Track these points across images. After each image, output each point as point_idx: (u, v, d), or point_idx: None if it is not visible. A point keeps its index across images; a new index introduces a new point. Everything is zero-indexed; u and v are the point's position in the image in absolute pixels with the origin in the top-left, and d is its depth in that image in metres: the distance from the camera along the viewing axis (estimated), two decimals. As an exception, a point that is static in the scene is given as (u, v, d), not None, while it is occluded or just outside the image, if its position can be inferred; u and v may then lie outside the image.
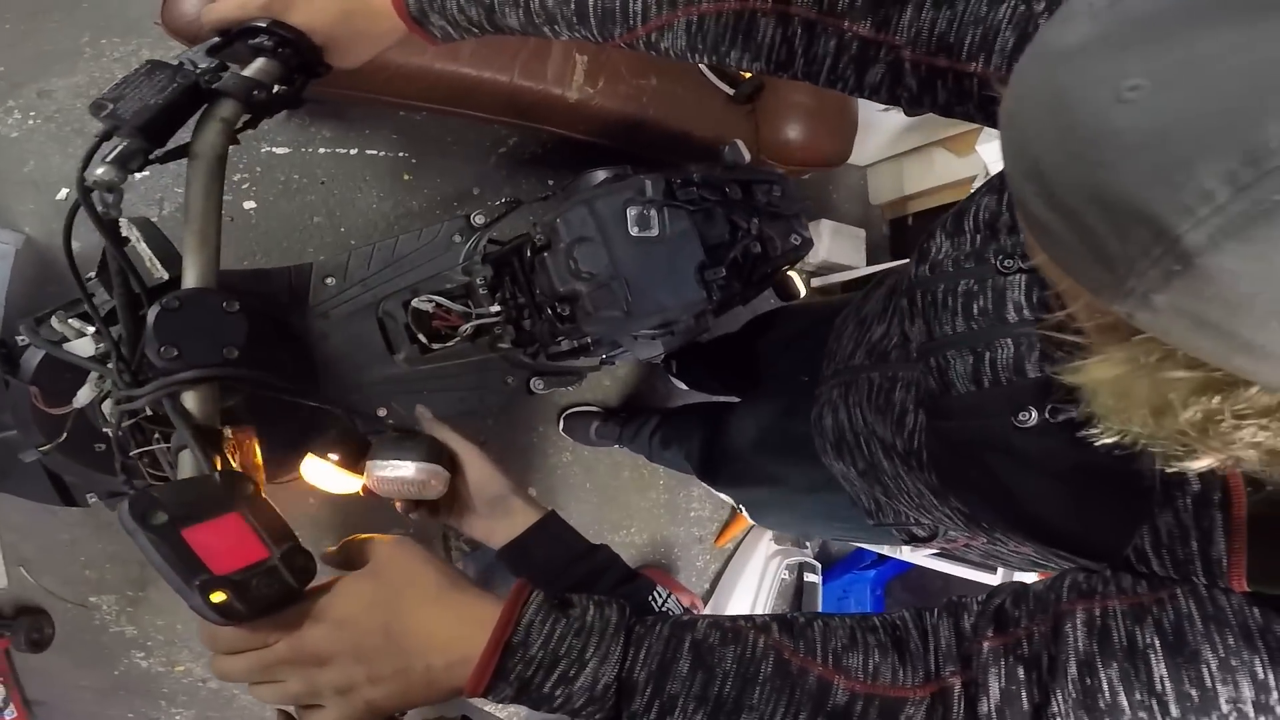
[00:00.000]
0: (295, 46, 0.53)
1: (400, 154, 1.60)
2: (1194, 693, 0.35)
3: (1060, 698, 0.37)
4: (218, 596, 0.38)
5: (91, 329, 0.75)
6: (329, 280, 0.93)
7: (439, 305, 0.93)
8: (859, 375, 0.68)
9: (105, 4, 1.45)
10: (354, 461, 0.58)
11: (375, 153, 1.58)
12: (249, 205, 1.50)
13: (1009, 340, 0.46)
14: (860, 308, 0.77)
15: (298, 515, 1.56)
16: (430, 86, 1.23)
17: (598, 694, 0.42)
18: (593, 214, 0.79)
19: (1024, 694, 0.38)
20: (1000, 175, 0.51)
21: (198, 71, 0.49)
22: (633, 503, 1.86)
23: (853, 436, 0.68)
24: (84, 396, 0.77)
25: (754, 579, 1.79)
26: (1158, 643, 0.36)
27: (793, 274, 1.14)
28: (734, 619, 0.46)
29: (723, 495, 1.15)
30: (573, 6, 0.54)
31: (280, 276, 0.91)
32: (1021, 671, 0.39)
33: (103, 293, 0.60)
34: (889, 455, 0.62)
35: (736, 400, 1.12)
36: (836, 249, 1.88)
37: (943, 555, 1.52)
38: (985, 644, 0.41)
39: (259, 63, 0.52)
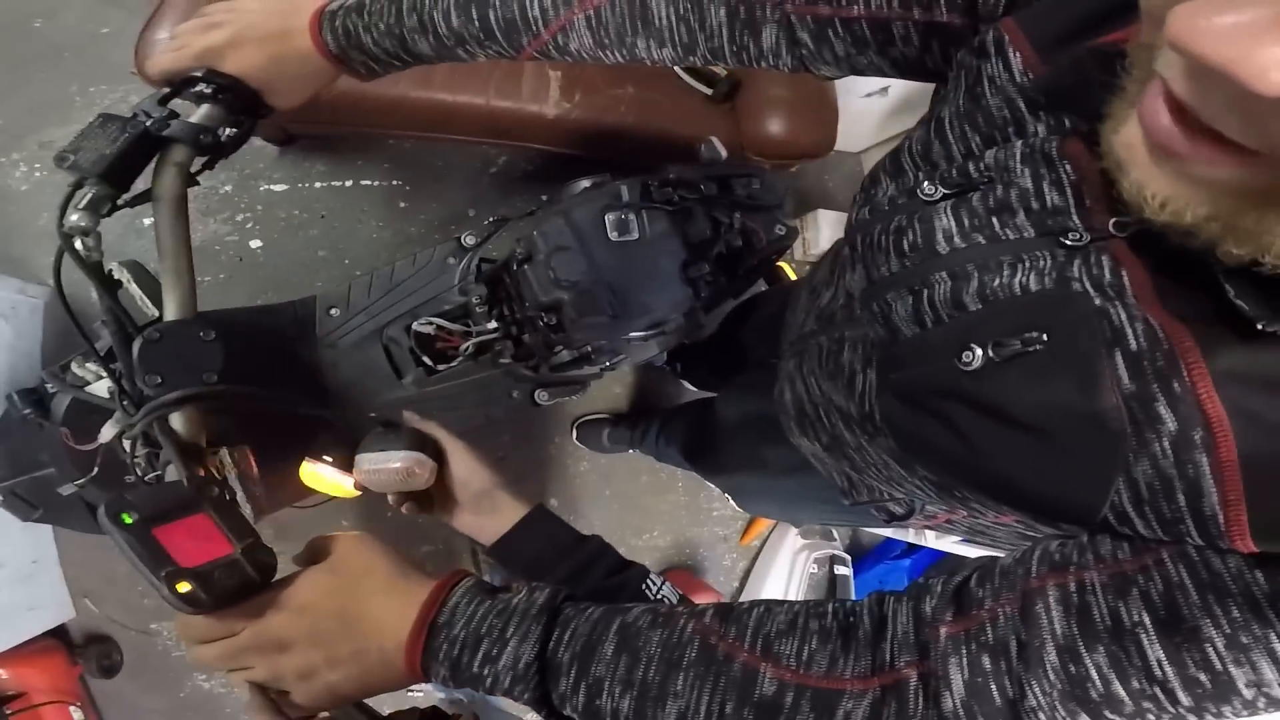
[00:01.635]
0: (234, 91, 0.56)
1: (394, 182, 1.65)
2: (1203, 677, 0.30)
3: (1039, 689, 0.33)
4: (183, 586, 0.43)
5: (104, 371, 0.80)
6: (333, 311, 0.96)
7: (439, 327, 0.95)
8: (809, 342, 0.65)
9: (85, 53, 1.52)
10: (346, 461, 0.61)
11: (370, 183, 1.63)
12: (255, 244, 1.55)
13: (943, 273, 0.42)
14: (812, 276, 0.74)
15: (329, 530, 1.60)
16: (410, 115, 1.27)
17: (520, 673, 0.42)
18: (569, 223, 0.81)
19: (993, 686, 0.34)
20: (930, 107, 0.49)
21: (148, 121, 0.53)
22: (653, 506, 1.87)
23: (812, 409, 0.65)
24: (107, 433, 0.82)
25: (783, 574, 1.78)
26: (1147, 619, 0.31)
27: (784, 264, 1.15)
28: (674, 605, 0.45)
29: (711, 484, 1.15)
30: (476, 24, 0.55)
31: (286, 311, 0.95)
32: (987, 660, 0.35)
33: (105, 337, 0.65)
34: (848, 425, 0.58)
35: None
36: (836, 237, 1.86)
37: (971, 541, 1.49)
38: (943, 629, 0.37)
39: (204, 109, 0.56)
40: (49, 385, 0.86)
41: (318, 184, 1.60)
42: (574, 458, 1.80)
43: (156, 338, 0.50)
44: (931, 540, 1.64)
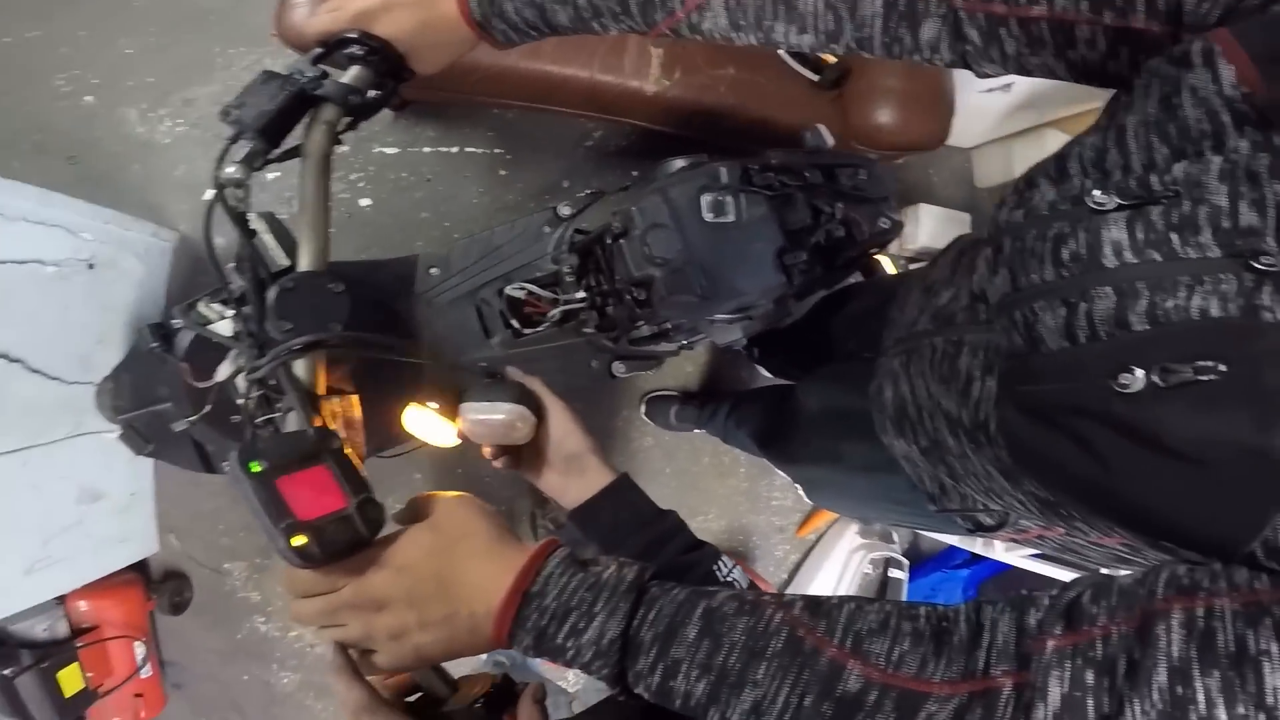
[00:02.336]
0: (383, 54, 0.58)
1: (496, 150, 1.69)
2: None
3: (1138, 708, 0.32)
4: (298, 540, 0.43)
5: (231, 312, 0.86)
6: (433, 270, 1.01)
7: (530, 292, 0.98)
8: (921, 342, 0.62)
9: (229, 17, 1.62)
10: (449, 409, 0.61)
11: (474, 150, 1.68)
12: (365, 202, 1.64)
13: (1107, 289, 0.39)
14: (926, 274, 0.72)
15: (400, 485, 1.69)
16: (517, 85, 1.30)
17: (603, 648, 0.42)
18: (666, 201, 0.81)
19: (1090, 701, 0.33)
20: (1106, 113, 0.46)
21: (304, 79, 0.55)
22: (712, 489, 1.88)
23: (914, 410, 0.63)
24: (224, 371, 0.88)
25: (834, 571, 1.76)
26: (1275, 649, 0.30)
27: (883, 258, 1.11)
28: (760, 593, 0.44)
29: (781, 472, 1.13)
30: None
31: (391, 266, 1.00)
32: (1091, 675, 0.34)
33: (238, 280, 0.70)
34: (954, 431, 0.56)
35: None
36: (939, 233, 1.78)
37: (1044, 557, 1.43)
38: (1050, 642, 0.36)
39: (354, 70, 0.58)
40: (176, 322, 0.93)
41: (426, 149, 1.66)
42: (639, 432, 1.82)
43: (291, 286, 0.53)
44: (999, 553, 1.58)
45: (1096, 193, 0.41)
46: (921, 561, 1.91)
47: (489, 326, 1.00)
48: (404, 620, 0.45)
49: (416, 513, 0.51)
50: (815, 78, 1.36)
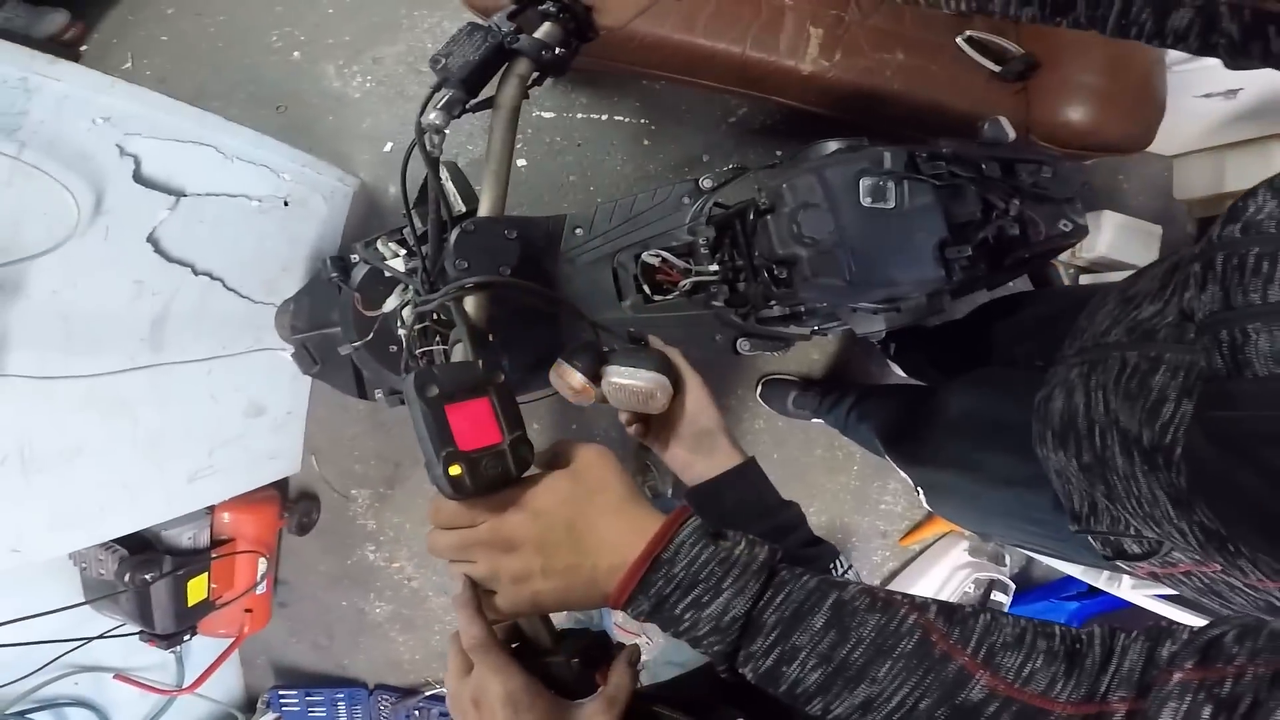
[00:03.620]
0: (572, 10, 0.60)
1: (642, 121, 1.72)
2: None
3: None
4: (455, 469, 0.44)
5: (404, 251, 0.94)
6: (578, 230, 1.05)
7: (664, 260, 1.00)
8: (1110, 354, 0.58)
9: None
10: (593, 370, 0.61)
11: (622, 119, 1.72)
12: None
13: None
14: (1129, 285, 0.66)
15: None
16: (669, 56, 1.30)
17: (724, 625, 0.42)
18: (821, 181, 0.79)
19: None
20: None
21: (503, 33, 0.58)
22: (819, 482, 1.84)
23: (1085, 424, 0.59)
24: (391, 303, 0.97)
25: (933, 585, 1.68)
26: None
27: (1056, 264, 1.02)
28: (891, 592, 0.43)
29: (903, 473, 1.07)
30: None
31: (541, 224, 1.05)
32: (1208, 711, 0.33)
33: (419, 223, 0.75)
34: (1127, 450, 0.53)
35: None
36: (1120, 245, 1.61)
37: (1175, 599, 1.28)
38: (1177, 675, 0.35)
39: (545, 26, 0.60)
40: (354, 256, 1.03)
41: (579, 115, 1.72)
42: (752, 414, 1.80)
43: (472, 229, 0.57)
44: (1125, 589, 1.44)
45: None
46: (1029, 589, 1.79)
47: (622, 289, 1.03)
48: (529, 565, 0.45)
49: (557, 458, 0.51)
50: (997, 69, 1.25)
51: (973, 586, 1.68)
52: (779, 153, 1.72)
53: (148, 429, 1.29)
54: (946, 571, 1.71)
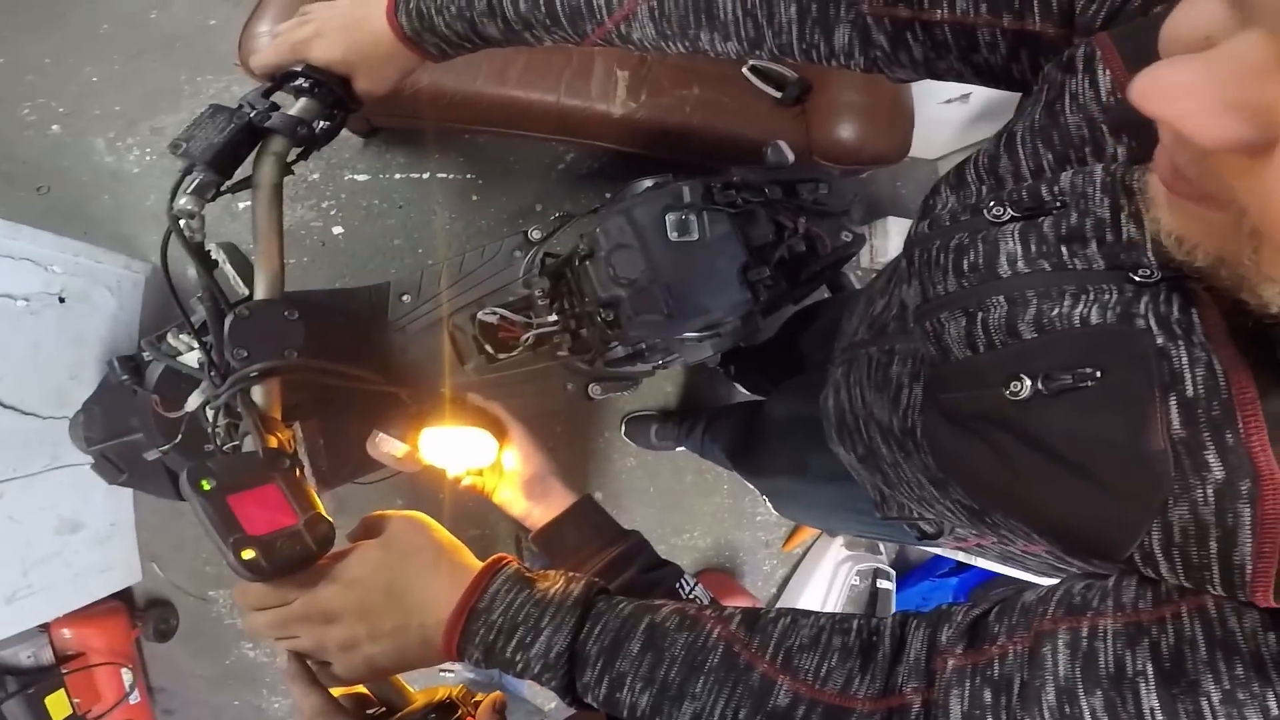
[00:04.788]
0: (327, 85, 0.60)
1: (468, 176, 1.71)
2: None
3: None
4: (247, 554, 0.45)
5: (197, 343, 0.86)
6: (405, 297, 1.01)
7: (502, 317, 0.99)
8: (859, 352, 0.64)
9: (194, 45, 1.64)
10: (413, 436, 0.62)
11: (445, 175, 1.70)
12: (337, 230, 1.64)
13: (1000, 298, 0.40)
14: (871, 284, 0.73)
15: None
16: (485, 110, 1.32)
17: (551, 661, 0.43)
18: (630, 222, 0.82)
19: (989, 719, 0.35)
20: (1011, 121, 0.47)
21: (253, 113, 0.56)
22: (696, 506, 1.88)
23: (852, 419, 0.64)
24: (193, 401, 0.87)
25: (822, 584, 1.76)
26: (1150, 669, 0.32)
27: (850, 272, 1.13)
28: (702, 608, 0.45)
29: (750, 484, 1.14)
30: (543, 9, 0.56)
31: (363, 295, 1.00)
32: (988, 694, 0.35)
33: (200, 310, 0.69)
34: (886, 439, 0.57)
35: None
36: (906, 246, 1.82)
37: (1005, 563, 1.44)
38: (951, 661, 0.37)
39: (301, 102, 0.59)
40: (145, 354, 0.93)
41: (397, 175, 1.67)
42: (621, 453, 1.82)
43: (246, 315, 0.54)
44: (981, 561, 1.58)
45: (993, 205, 0.42)
46: (909, 571, 1.91)
47: (463, 352, 1.00)
48: (354, 632, 0.46)
49: (369, 530, 0.52)
50: (778, 95, 1.38)
51: (858, 579, 1.77)
52: (607, 195, 1.77)
53: None
54: (831, 568, 1.79)
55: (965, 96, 1.62)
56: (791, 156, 0.95)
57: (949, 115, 1.70)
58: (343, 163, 1.64)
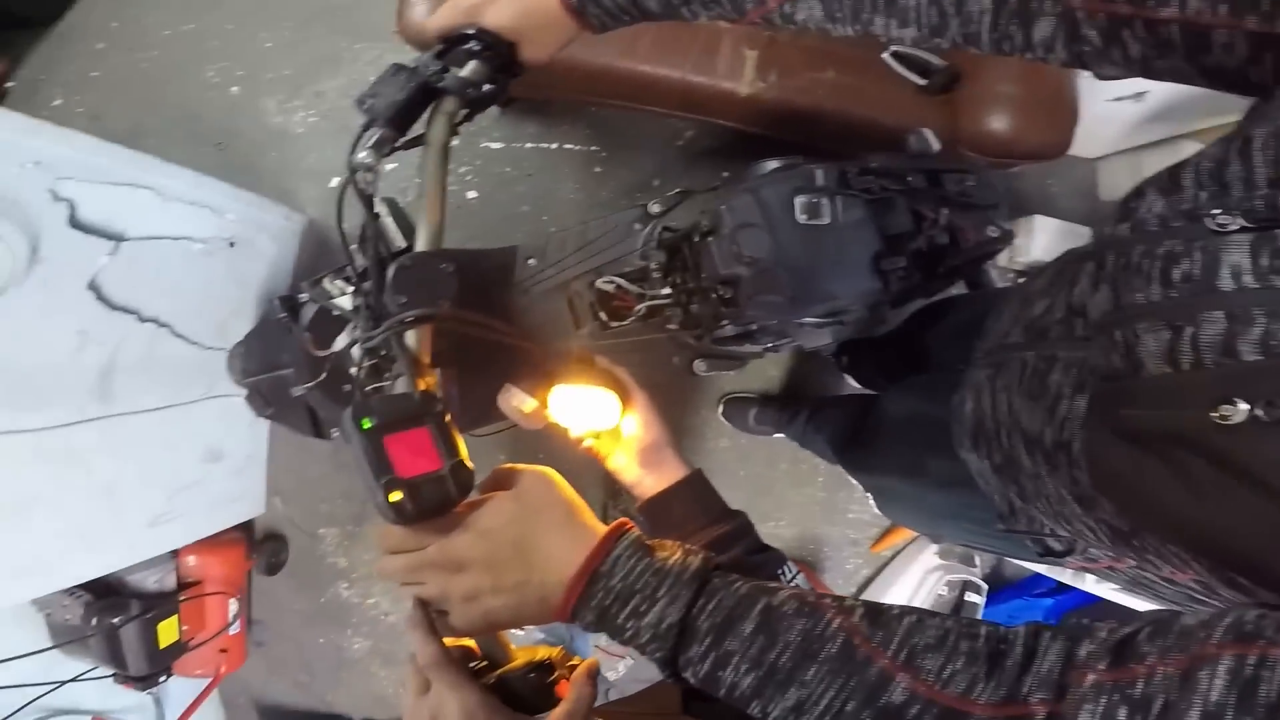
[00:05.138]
0: (496, 49, 0.62)
1: (592, 148, 1.74)
2: None
3: None
4: (395, 496, 0.46)
5: (351, 289, 0.94)
6: (531, 261, 1.05)
7: (619, 286, 1.01)
8: (1011, 355, 0.60)
9: (353, 13, 1.75)
10: (541, 393, 0.63)
11: (572, 147, 1.74)
12: (471, 195, 1.72)
13: (1219, 313, 0.37)
14: (1027, 285, 0.68)
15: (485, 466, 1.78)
16: (613, 84, 1.33)
17: (661, 632, 0.43)
18: (758, 201, 0.81)
19: None
20: (1239, 123, 0.43)
21: (428, 73, 0.60)
22: (787, 496, 1.85)
23: (993, 425, 0.60)
24: (341, 341, 0.96)
25: (906, 590, 1.70)
26: None
27: (989, 268, 1.06)
28: (821, 596, 0.44)
29: (854, 480, 1.09)
30: None
31: (493, 257, 1.05)
32: (1124, 713, 0.33)
33: (361, 258, 0.75)
34: (1031, 450, 0.54)
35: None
36: (1054, 247, 1.67)
37: (1133, 589, 1.32)
38: (1090, 676, 0.35)
39: (471, 65, 0.62)
40: (302, 295, 1.02)
41: (528, 145, 1.73)
42: (716, 432, 1.82)
43: (409, 264, 0.57)
44: (1090, 584, 1.47)
45: (1218, 212, 0.39)
46: (1002, 587, 1.82)
47: (579, 317, 1.04)
48: (479, 583, 0.47)
49: (499, 483, 0.53)
50: (922, 82, 1.31)
51: (946, 589, 1.70)
52: (725, 174, 1.76)
53: (103, 478, 1.26)
54: (919, 575, 1.73)
55: (1140, 95, 1.47)
56: (937, 145, 0.91)
57: (1118, 113, 1.54)
58: (481, 131, 1.72)
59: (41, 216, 1.04)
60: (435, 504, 0.48)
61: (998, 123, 1.26)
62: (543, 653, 0.53)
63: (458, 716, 0.45)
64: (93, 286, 1.16)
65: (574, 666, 0.52)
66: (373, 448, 0.46)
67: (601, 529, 0.48)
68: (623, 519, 0.49)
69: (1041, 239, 1.65)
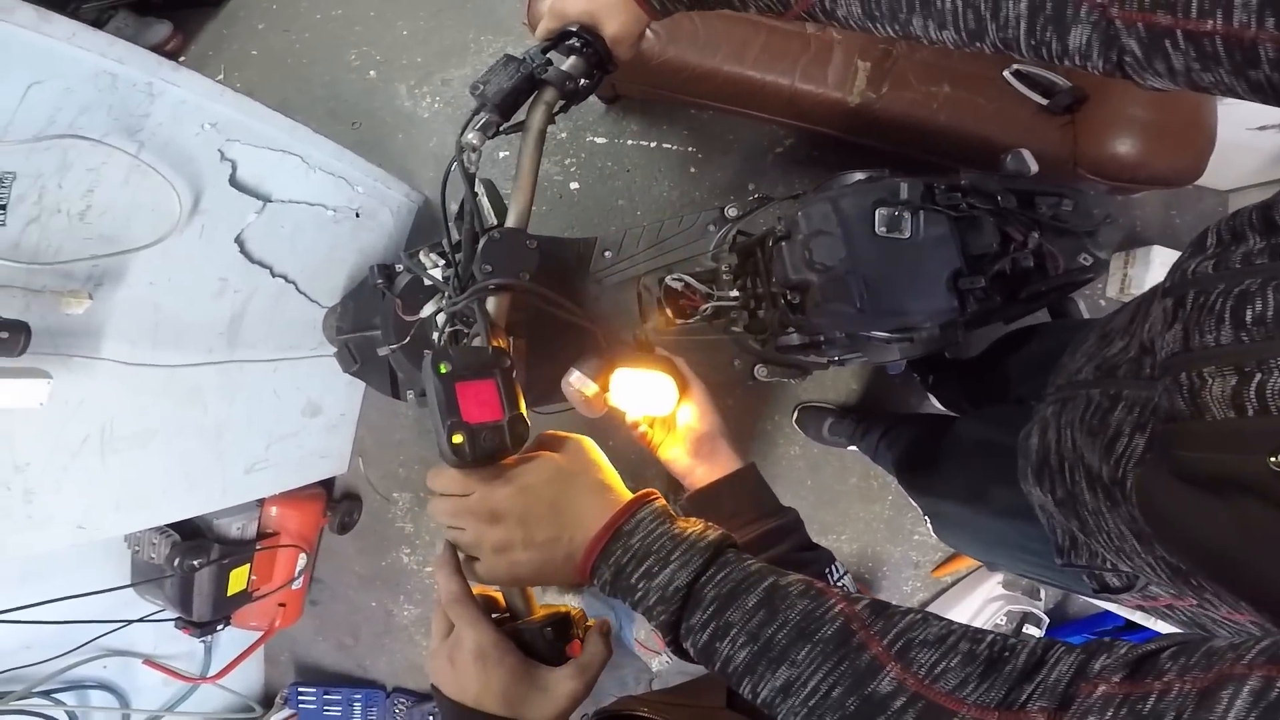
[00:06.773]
0: (593, 45, 0.66)
1: (690, 149, 1.77)
2: None
3: None
4: (457, 438, 0.49)
5: (443, 263, 1.01)
6: (607, 253, 1.10)
7: (687, 285, 1.03)
8: (1078, 392, 0.58)
9: (481, 6, 1.85)
10: (603, 379, 0.65)
11: (670, 146, 1.78)
12: (574, 186, 1.80)
13: None
14: (1108, 321, 0.65)
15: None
16: (719, 87, 1.35)
17: (668, 594, 0.44)
18: (836, 210, 0.81)
19: None
20: None
21: (534, 64, 0.65)
22: (852, 511, 1.81)
23: (1056, 460, 0.59)
24: (428, 309, 1.04)
25: (962, 617, 1.61)
26: None
27: (1077, 299, 1.00)
28: (831, 585, 0.44)
29: (912, 500, 1.05)
30: None
31: (573, 245, 1.11)
32: None
33: (455, 232, 0.81)
34: (1093, 486, 0.53)
35: None
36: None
37: (1193, 629, 1.20)
38: (1101, 688, 0.33)
39: (571, 59, 0.66)
40: (399, 265, 1.11)
41: (629, 141, 1.79)
42: (787, 440, 1.80)
43: (498, 237, 0.63)
44: (1162, 624, 1.33)
45: None
46: (1064, 623, 1.72)
47: (646, 311, 1.07)
48: (511, 536, 0.49)
49: (542, 446, 0.56)
50: (1044, 101, 1.24)
51: (1005, 619, 1.63)
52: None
53: (215, 420, 1.35)
54: (979, 603, 1.67)
55: (1285, 124, 1.31)
56: (1034, 167, 0.87)
57: (1258, 143, 1.40)
58: (587, 125, 1.79)
59: (208, 173, 1.17)
60: (490, 451, 0.51)
61: (1123, 146, 1.18)
62: (563, 610, 0.55)
63: (471, 653, 0.47)
64: (239, 240, 1.30)
65: (590, 628, 0.54)
66: (445, 390, 0.50)
67: (634, 495, 0.50)
68: (651, 489, 0.51)
69: (1159, 271, 1.51)
